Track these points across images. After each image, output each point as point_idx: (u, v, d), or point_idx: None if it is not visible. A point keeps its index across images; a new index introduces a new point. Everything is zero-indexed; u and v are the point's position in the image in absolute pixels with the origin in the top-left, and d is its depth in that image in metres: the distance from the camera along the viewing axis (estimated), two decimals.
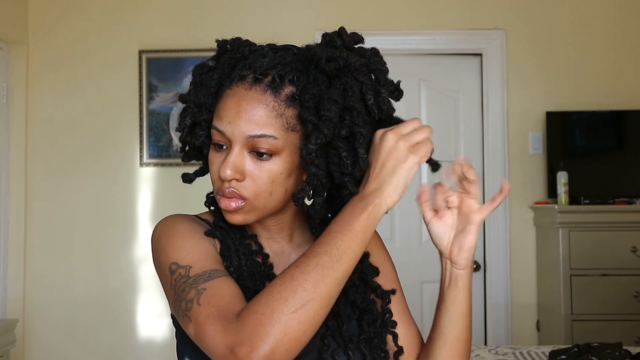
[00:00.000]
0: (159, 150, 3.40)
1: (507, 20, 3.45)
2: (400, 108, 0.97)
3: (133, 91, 3.42)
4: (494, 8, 3.47)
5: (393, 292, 1.01)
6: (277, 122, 0.86)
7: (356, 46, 0.94)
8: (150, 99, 3.42)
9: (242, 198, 0.89)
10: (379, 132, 0.88)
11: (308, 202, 0.95)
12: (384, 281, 1.03)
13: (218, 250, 0.93)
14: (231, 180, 0.88)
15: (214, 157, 0.91)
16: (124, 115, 3.43)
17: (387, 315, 0.99)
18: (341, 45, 0.92)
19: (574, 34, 3.46)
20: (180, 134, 0.95)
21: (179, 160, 3.33)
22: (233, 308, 0.78)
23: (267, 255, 0.96)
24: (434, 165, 0.91)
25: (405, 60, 3.50)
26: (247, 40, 0.95)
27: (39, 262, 3.39)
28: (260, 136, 0.86)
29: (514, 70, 3.44)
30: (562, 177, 3.14)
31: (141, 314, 3.38)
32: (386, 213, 0.86)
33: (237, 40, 0.94)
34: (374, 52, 0.94)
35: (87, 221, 3.42)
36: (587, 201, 3.16)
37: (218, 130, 0.89)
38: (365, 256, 0.99)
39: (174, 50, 3.40)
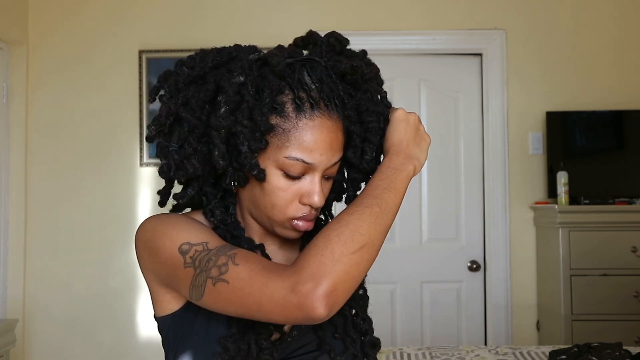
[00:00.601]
0: None
1: (507, 20, 3.45)
2: None
3: (133, 91, 3.42)
4: (494, 8, 3.47)
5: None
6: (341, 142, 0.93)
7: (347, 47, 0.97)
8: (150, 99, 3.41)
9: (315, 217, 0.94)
10: (399, 111, 0.95)
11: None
12: None
13: None
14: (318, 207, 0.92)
15: (287, 185, 0.89)
16: (124, 115, 3.43)
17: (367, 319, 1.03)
18: (341, 51, 0.94)
19: (574, 34, 3.46)
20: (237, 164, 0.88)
21: None
22: (275, 265, 0.82)
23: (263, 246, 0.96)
24: None
25: (405, 60, 3.50)
26: (272, 52, 0.92)
27: (39, 261, 3.39)
28: (337, 162, 0.92)
29: (514, 70, 3.44)
30: (562, 177, 3.14)
31: (141, 313, 3.38)
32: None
33: (269, 55, 0.90)
34: (364, 53, 0.99)
35: (87, 221, 3.42)
36: (587, 201, 3.16)
37: (306, 163, 0.88)
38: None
39: (174, 50, 3.40)
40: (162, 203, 0.97)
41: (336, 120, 0.90)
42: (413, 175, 0.92)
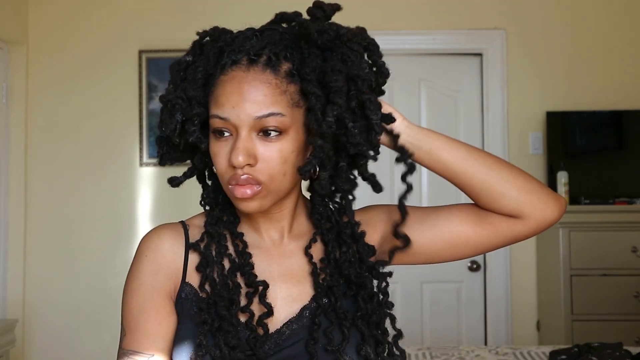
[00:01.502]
0: None
1: (507, 20, 3.45)
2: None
3: (133, 91, 3.42)
4: (494, 8, 3.46)
5: (390, 274, 0.98)
6: (282, 99, 0.86)
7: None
8: (150, 98, 3.41)
9: (258, 183, 0.87)
10: None
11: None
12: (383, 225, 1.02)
13: (182, 264, 0.94)
14: (244, 166, 0.86)
15: (218, 148, 0.88)
16: (123, 115, 3.43)
17: (384, 296, 0.97)
18: (323, 16, 0.93)
19: (574, 33, 3.46)
20: (164, 135, 0.93)
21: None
22: None
23: (250, 255, 0.95)
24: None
25: (405, 60, 3.49)
26: (225, 28, 0.94)
27: (39, 262, 3.39)
28: (268, 115, 0.85)
29: (514, 70, 3.44)
30: (562, 177, 3.14)
31: None
32: None
33: (217, 30, 0.93)
34: (362, 29, 0.95)
35: (87, 221, 3.42)
36: (588, 201, 3.16)
37: (220, 118, 0.87)
38: (361, 235, 0.98)
39: (174, 50, 3.40)
40: (171, 181, 0.99)
41: (260, 73, 0.86)
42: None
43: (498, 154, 3.41)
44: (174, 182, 0.97)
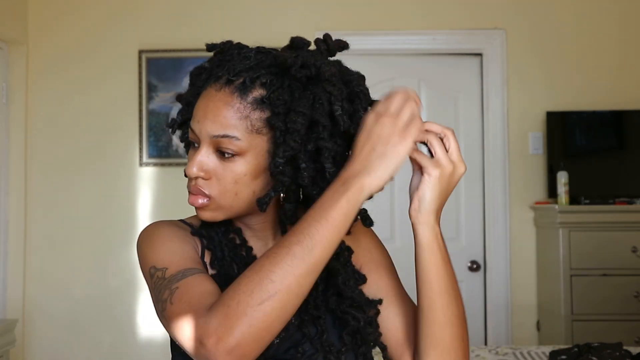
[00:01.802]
0: (159, 150, 3.39)
1: (507, 20, 3.45)
2: None
3: (133, 91, 3.42)
4: (494, 8, 3.46)
5: (380, 302, 0.97)
6: (241, 124, 0.87)
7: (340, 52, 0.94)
8: (150, 98, 3.41)
9: (206, 196, 0.90)
10: (371, 112, 0.85)
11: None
12: (376, 276, 1.01)
13: (199, 249, 0.95)
14: (197, 178, 0.90)
15: (190, 155, 0.93)
16: (123, 115, 3.43)
17: (371, 329, 0.95)
18: (325, 50, 0.92)
19: (574, 33, 3.46)
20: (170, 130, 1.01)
21: (179, 160, 3.33)
22: (204, 303, 0.79)
23: (251, 248, 0.97)
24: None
25: (405, 60, 3.50)
26: (238, 43, 0.95)
27: (39, 261, 3.39)
28: (223, 136, 0.87)
29: (514, 70, 3.44)
30: (562, 177, 3.14)
31: (141, 313, 3.38)
32: (370, 198, 0.83)
33: (227, 43, 0.94)
34: (360, 75, 0.92)
35: (87, 221, 3.42)
36: (588, 201, 3.16)
37: (191, 129, 0.91)
38: (347, 263, 0.97)
39: (173, 50, 3.40)
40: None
41: (228, 95, 0.87)
42: (367, 195, 0.81)
43: (498, 154, 3.41)
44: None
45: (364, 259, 1.01)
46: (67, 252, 3.41)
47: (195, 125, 0.90)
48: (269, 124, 0.87)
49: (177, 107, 3.58)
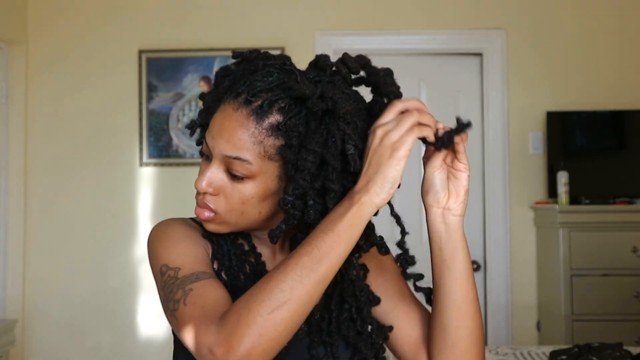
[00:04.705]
0: (159, 150, 3.39)
1: (507, 20, 3.45)
2: None
3: (133, 91, 3.42)
4: (494, 7, 3.46)
5: (390, 329, 0.98)
6: (254, 148, 0.86)
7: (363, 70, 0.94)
8: (149, 98, 3.41)
9: (213, 211, 0.91)
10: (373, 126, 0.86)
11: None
12: (382, 279, 1.02)
13: (210, 253, 0.95)
14: (204, 192, 0.90)
15: (202, 166, 0.93)
16: (123, 115, 3.43)
17: (381, 351, 0.97)
18: (347, 73, 0.91)
19: (574, 33, 3.45)
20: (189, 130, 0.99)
21: (179, 160, 3.33)
22: (217, 309, 0.79)
23: (260, 255, 0.97)
24: (440, 142, 0.90)
25: (405, 60, 3.49)
26: (265, 52, 0.92)
27: (39, 262, 3.39)
28: (235, 158, 0.87)
29: (515, 70, 3.44)
30: (562, 177, 3.14)
31: (141, 314, 3.38)
32: (376, 214, 0.84)
33: (254, 52, 0.92)
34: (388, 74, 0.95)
35: (87, 221, 3.42)
36: (588, 201, 3.16)
37: (205, 142, 0.92)
38: (361, 286, 0.97)
39: (173, 50, 3.40)
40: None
41: (245, 117, 0.86)
42: (372, 209, 0.83)
43: (498, 154, 3.41)
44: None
45: (370, 264, 1.03)
46: (66, 252, 3.41)
47: (209, 139, 0.90)
48: (282, 152, 0.87)
49: (178, 106, 3.60)
